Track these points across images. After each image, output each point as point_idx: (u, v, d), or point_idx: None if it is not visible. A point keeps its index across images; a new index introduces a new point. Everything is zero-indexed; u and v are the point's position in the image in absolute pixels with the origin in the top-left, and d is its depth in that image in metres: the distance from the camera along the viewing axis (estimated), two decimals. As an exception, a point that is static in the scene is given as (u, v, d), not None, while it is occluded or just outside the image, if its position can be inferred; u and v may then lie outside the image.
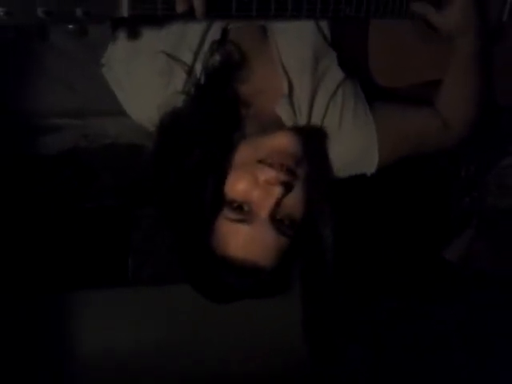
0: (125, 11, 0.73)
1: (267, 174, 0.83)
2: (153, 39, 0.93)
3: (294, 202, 0.86)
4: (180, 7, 0.76)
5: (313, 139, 1.03)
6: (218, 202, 0.85)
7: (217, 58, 0.96)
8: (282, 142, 0.86)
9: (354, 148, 1.08)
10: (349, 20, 0.97)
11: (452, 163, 1.71)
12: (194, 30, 0.95)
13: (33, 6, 0.67)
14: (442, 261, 1.78)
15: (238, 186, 0.85)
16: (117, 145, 1.49)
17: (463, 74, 1.08)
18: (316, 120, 1.05)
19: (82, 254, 1.88)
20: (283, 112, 1.01)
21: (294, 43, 1.03)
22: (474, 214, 1.75)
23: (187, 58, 0.95)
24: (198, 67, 0.96)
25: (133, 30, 0.87)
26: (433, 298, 1.81)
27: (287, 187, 0.83)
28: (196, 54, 0.95)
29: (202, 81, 0.95)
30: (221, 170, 0.86)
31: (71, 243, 1.86)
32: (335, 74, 1.06)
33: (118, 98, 0.98)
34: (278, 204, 0.84)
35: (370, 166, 1.10)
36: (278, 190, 0.82)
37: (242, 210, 0.85)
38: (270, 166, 0.84)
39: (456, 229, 1.78)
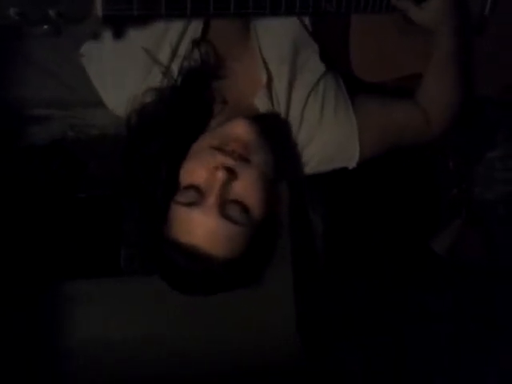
0: (99, 11, 0.73)
1: (216, 159, 0.84)
2: (134, 33, 0.93)
3: (245, 189, 0.85)
4: None
5: (277, 129, 1.03)
6: (171, 187, 0.87)
7: (195, 57, 0.96)
8: (237, 129, 0.87)
9: (335, 141, 1.08)
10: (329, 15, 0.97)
11: (440, 155, 1.72)
12: (176, 25, 0.95)
13: (5, 7, 0.68)
14: (431, 252, 1.79)
15: (190, 172, 0.87)
16: (104, 135, 1.49)
17: (443, 70, 1.08)
18: (295, 112, 1.05)
19: (74, 244, 1.89)
20: (261, 103, 1.01)
21: (274, 34, 1.03)
22: (462, 205, 1.76)
23: (166, 55, 0.95)
24: (175, 67, 0.96)
25: (115, 30, 0.87)
26: (423, 290, 1.82)
27: (231, 173, 0.83)
28: (174, 52, 0.95)
29: (177, 83, 0.96)
30: (175, 157, 0.88)
31: (63, 233, 1.87)
32: (316, 67, 1.05)
33: (96, 87, 0.98)
34: (222, 189, 0.83)
35: (351, 159, 1.10)
36: (220, 175, 0.83)
37: (195, 196, 0.85)
38: (221, 152, 0.85)
39: (444, 220, 1.79)
